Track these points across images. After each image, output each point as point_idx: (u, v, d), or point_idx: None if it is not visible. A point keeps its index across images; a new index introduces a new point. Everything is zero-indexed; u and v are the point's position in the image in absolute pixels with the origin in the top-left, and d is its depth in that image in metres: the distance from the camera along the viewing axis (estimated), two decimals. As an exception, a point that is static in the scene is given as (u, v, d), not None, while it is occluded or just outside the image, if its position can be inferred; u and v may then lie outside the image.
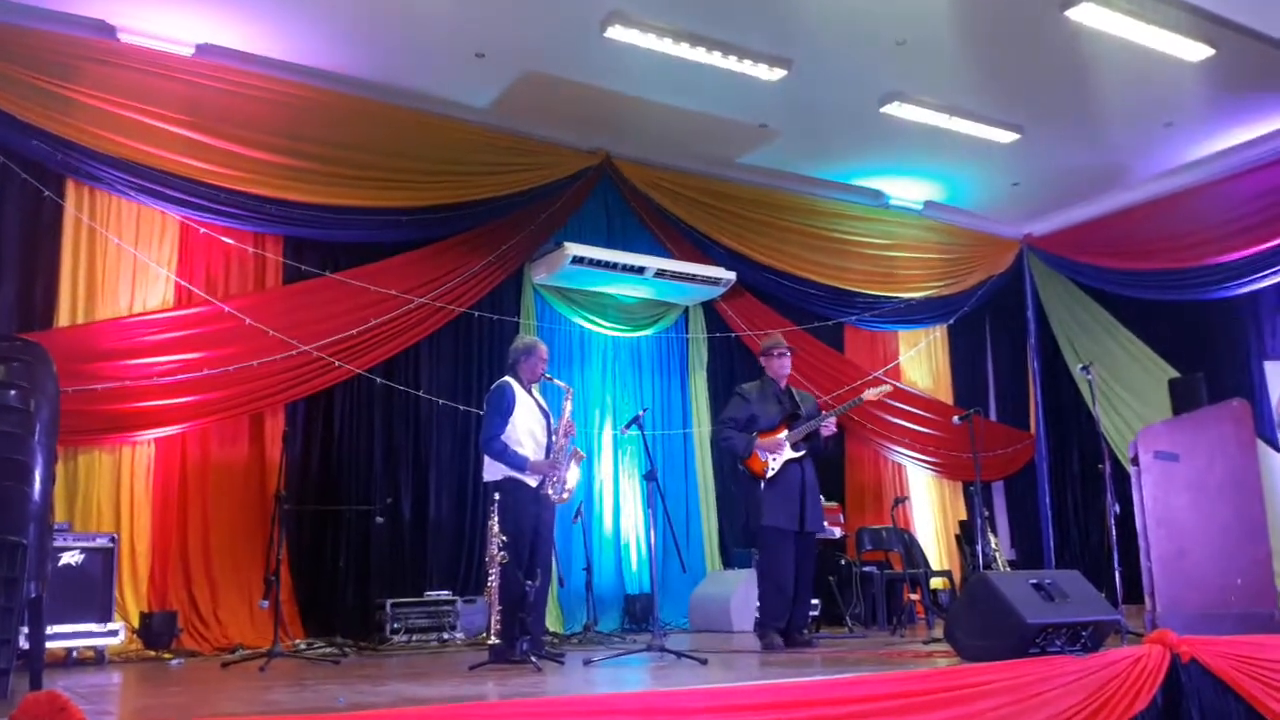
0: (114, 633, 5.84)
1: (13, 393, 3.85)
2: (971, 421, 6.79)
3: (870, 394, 6.24)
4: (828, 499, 8.27)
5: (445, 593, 7.18)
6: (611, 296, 8.72)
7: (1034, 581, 4.10)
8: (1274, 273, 8.72)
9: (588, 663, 4.97)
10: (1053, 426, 10.82)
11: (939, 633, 5.87)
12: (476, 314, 7.95)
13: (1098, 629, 4.01)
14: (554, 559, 6.06)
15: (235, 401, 6.81)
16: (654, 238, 8.81)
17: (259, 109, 7.05)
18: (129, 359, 6.46)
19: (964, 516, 10.10)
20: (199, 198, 6.82)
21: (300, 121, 7.18)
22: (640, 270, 8.28)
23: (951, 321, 10.51)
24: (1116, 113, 8.25)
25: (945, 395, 10.44)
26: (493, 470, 5.24)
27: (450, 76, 7.49)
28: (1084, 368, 6.27)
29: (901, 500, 9.33)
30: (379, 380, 7.46)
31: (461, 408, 7.78)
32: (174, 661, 5.83)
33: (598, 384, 8.67)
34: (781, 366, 6.17)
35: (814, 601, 7.68)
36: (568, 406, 5.39)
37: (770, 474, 5.88)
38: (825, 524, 6.83)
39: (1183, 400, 7.75)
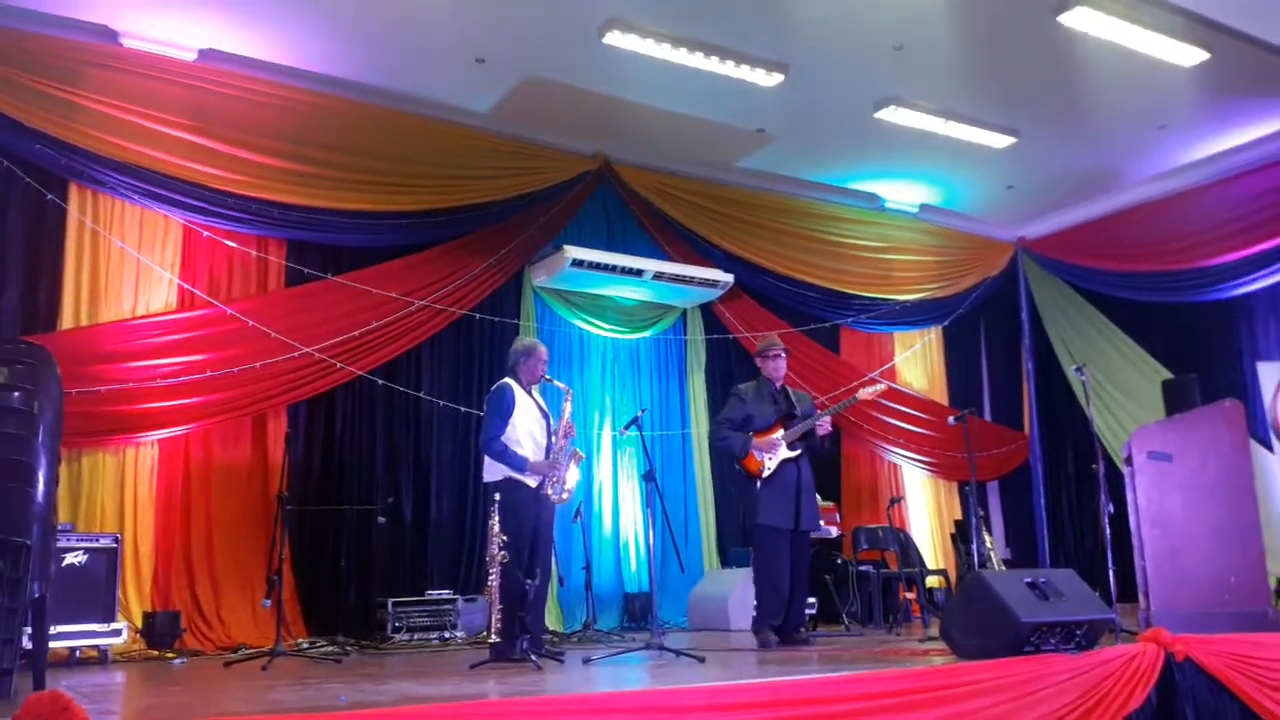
0: (117, 632, 5.87)
1: (16, 395, 3.88)
2: (966, 422, 6.84)
3: (865, 393, 6.30)
4: (824, 498, 8.33)
5: (446, 592, 7.21)
6: (611, 299, 8.76)
7: (1029, 580, 4.11)
8: (1267, 274, 8.76)
9: (587, 661, 4.99)
10: (1047, 427, 10.87)
11: (935, 631, 5.90)
12: (477, 316, 7.99)
13: (1092, 628, 4.02)
14: (554, 558, 6.10)
15: (238, 403, 6.85)
16: (653, 241, 8.85)
17: (262, 114, 7.09)
18: (132, 361, 6.50)
19: (959, 516, 10.14)
20: (202, 201, 6.85)
21: (303, 126, 7.22)
22: (639, 273, 8.32)
23: (947, 323, 10.56)
24: (1110, 116, 8.30)
25: (940, 396, 10.49)
26: (493, 471, 5.27)
27: (451, 82, 7.54)
28: (1078, 369, 6.32)
29: (897, 500, 9.37)
30: (380, 382, 7.50)
31: (462, 409, 7.82)
32: (177, 661, 5.85)
33: (597, 385, 8.71)
34: (777, 368, 6.22)
35: (810, 600, 7.74)
36: (567, 407, 5.43)
37: (766, 473, 5.93)
38: (821, 523, 6.88)
39: (1176, 401, 7.79)
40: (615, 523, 8.54)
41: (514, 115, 7.98)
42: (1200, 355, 9.16)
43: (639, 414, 5.82)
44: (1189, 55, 7.17)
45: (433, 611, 7.00)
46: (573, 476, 5.44)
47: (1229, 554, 5.19)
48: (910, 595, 8.44)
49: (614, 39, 6.79)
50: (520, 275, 8.37)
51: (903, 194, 9.96)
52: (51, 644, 5.29)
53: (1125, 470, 5.77)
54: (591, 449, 8.45)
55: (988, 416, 10.72)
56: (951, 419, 7.56)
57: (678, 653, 4.99)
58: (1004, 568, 9.07)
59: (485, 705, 3.06)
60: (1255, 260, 8.76)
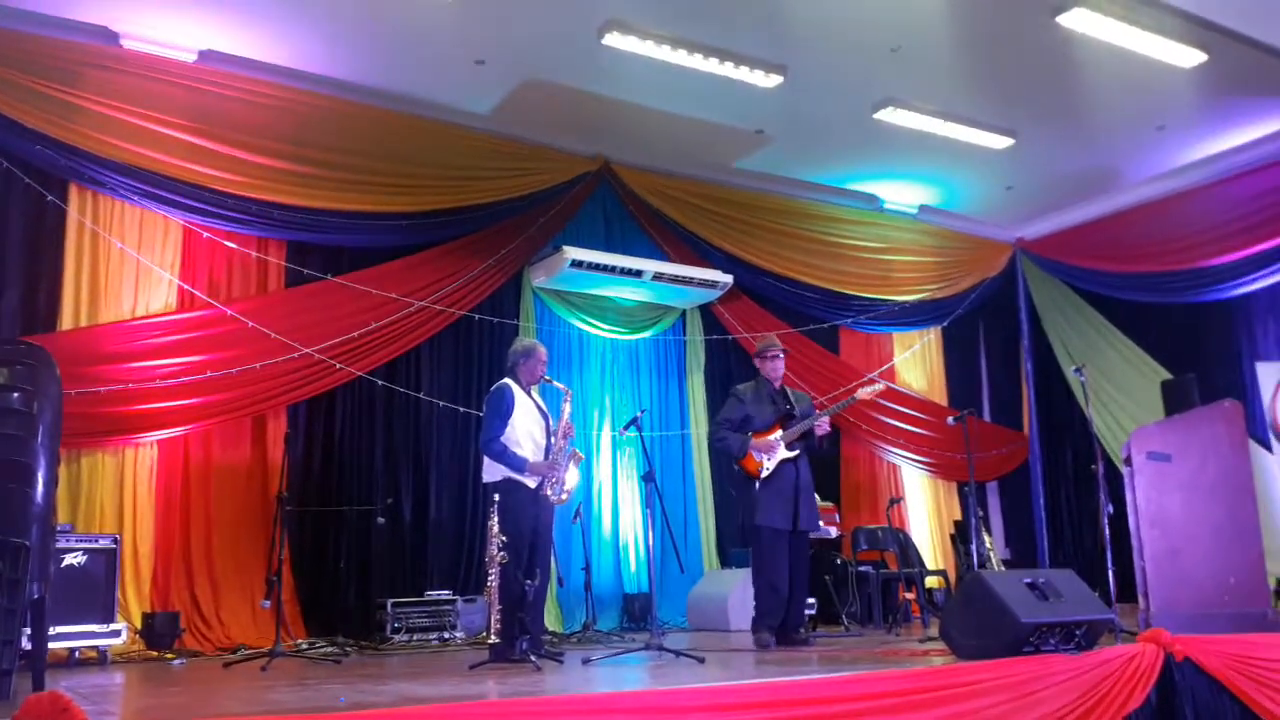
0: (116, 633, 5.87)
1: (15, 395, 3.88)
2: (965, 422, 6.84)
3: (864, 392, 6.31)
4: (823, 499, 8.34)
5: (445, 592, 7.21)
6: (610, 299, 8.76)
7: (1028, 581, 4.11)
8: (1266, 275, 8.77)
9: (586, 662, 5.00)
10: (1046, 427, 10.87)
11: (934, 631, 5.90)
12: (477, 317, 7.99)
13: (1092, 628, 4.03)
14: (553, 559, 6.11)
15: (237, 404, 6.85)
16: (652, 241, 8.86)
17: (262, 115, 7.09)
18: (132, 362, 6.50)
19: (959, 516, 10.14)
20: (202, 203, 6.86)
21: (303, 127, 7.22)
22: (638, 274, 8.32)
23: (946, 324, 10.56)
24: (1109, 117, 8.31)
25: (939, 396, 10.49)
26: (492, 471, 5.27)
27: (451, 83, 7.54)
28: (1077, 369, 6.32)
29: (897, 500, 9.37)
30: (380, 382, 7.51)
31: (462, 409, 7.82)
32: (176, 662, 5.85)
33: (596, 386, 8.71)
34: (775, 368, 6.22)
35: (810, 601, 7.73)
36: (566, 408, 5.43)
37: (765, 474, 5.94)
38: (820, 523, 6.88)
39: (1175, 401, 7.79)
40: (615, 523, 8.54)
41: (514, 116, 7.98)
42: (1199, 355, 9.16)
43: (638, 415, 5.82)
44: (1187, 56, 7.18)
45: (432, 612, 7.00)
46: (572, 477, 5.45)
47: (1228, 554, 5.20)
48: (910, 596, 8.45)
49: (613, 40, 6.79)
50: (520, 276, 8.37)
51: (901, 195, 9.97)
52: (51, 645, 5.29)
53: (1124, 470, 5.78)
54: (591, 450, 8.46)
55: (987, 417, 10.73)
56: (951, 419, 7.56)
57: (677, 653, 4.99)
58: (1003, 568, 9.08)
59: (485, 706, 3.06)
60: (1254, 260, 8.77)
